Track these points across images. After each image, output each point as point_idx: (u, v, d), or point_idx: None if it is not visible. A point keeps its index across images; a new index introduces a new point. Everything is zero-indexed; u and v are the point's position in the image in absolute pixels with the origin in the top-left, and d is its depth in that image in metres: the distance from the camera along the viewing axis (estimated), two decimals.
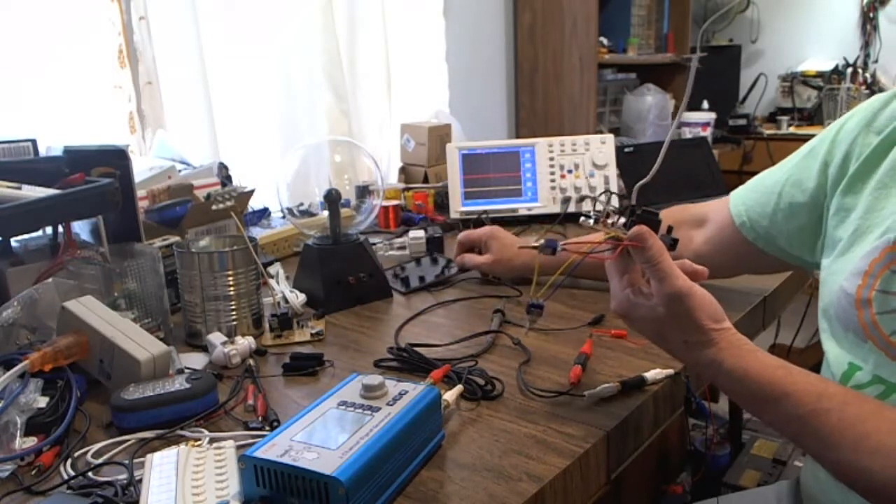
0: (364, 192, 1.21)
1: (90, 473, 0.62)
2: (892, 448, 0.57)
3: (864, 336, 0.69)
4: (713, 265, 0.77)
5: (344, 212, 1.09)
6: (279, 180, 1.11)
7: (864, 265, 0.69)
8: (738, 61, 3.37)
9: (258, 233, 1.38)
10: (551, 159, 1.55)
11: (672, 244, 0.67)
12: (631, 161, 1.63)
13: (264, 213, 1.53)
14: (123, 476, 0.61)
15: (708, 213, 0.96)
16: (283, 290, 1.04)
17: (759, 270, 0.98)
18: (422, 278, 1.14)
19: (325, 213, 1.07)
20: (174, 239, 1.06)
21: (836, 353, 0.73)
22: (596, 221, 0.69)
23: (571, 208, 1.51)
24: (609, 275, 0.69)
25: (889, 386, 0.67)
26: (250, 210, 1.47)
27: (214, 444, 0.64)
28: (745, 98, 3.41)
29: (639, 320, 0.68)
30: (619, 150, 1.61)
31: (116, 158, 1.00)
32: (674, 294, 0.63)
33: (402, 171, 1.95)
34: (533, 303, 0.75)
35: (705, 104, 2.92)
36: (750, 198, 0.89)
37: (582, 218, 0.70)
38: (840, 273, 0.73)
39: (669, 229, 0.69)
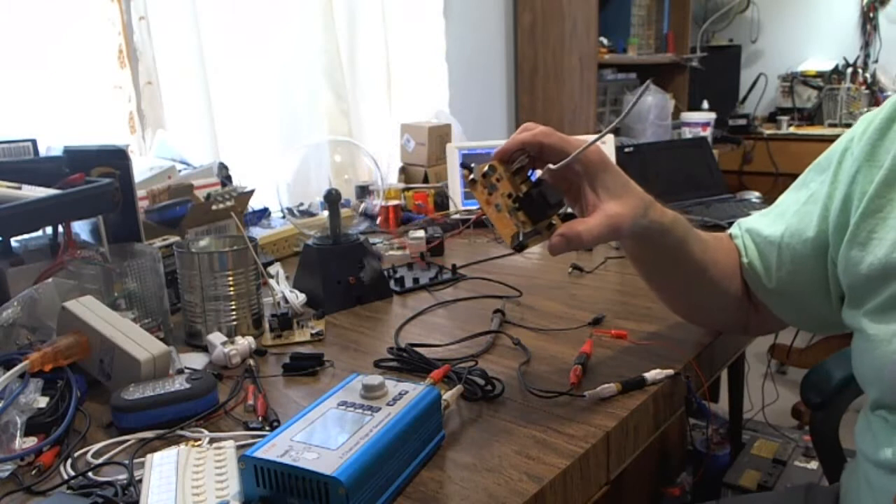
0: (364, 192, 1.21)
1: (90, 473, 0.62)
2: None
3: None
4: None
5: (344, 212, 1.09)
6: (279, 180, 1.11)
7: None
8: (738, 61, 3.38)
9: (258, 233, 1.38)
10: None
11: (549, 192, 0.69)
12: (631, 161, 1.63)
13: (264, 213, 1.53)
14: (123, 476, 0.61)
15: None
16: (283, 290, 1.04)
17: (755, 324, 0.84)
18: (416, 280, 1.14)
19: (325, 213, 1.08)
20: (174, 239, 1.06)
21: None
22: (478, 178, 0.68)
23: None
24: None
25: None
26: (250, 210, 1.47)
27: (214, 445, 0.64)
28: (745, 98, 3.41)
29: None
30: (619, 150, 1.61)
31: (116, 158, 1.00)
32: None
33: (402, 171, 1.95)
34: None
35: (705, 104, 2.92)
36: (751, 248, 0.79)
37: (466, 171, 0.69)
38: (887, 341, 0.61)
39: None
